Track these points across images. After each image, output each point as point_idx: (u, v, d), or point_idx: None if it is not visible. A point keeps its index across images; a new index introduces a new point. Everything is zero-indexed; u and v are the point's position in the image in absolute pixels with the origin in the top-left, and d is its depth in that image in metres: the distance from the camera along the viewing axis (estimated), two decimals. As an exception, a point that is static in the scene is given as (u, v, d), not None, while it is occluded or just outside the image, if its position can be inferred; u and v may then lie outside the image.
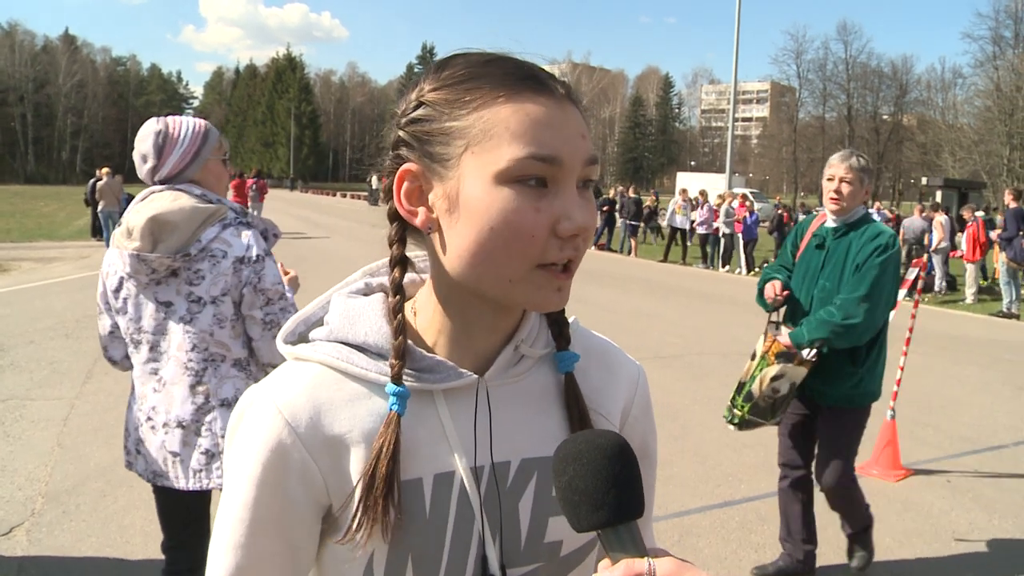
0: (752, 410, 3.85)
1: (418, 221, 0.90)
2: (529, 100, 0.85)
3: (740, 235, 19.68)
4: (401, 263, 0.96)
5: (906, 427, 6.21)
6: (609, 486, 0.77)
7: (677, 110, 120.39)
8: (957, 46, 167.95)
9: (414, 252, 1.01)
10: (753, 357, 3.92)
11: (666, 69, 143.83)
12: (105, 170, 19.05)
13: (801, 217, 21.81)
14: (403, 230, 0.96)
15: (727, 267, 20.14)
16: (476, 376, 0.94)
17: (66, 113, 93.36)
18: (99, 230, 19.19)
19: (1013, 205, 14.49)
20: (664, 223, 24.72)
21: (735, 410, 3.93)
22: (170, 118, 2.72)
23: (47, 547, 4.21)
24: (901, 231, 19.18)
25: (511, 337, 0.98)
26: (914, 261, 6.27)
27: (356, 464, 0.91)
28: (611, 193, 25.86)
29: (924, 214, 19.21)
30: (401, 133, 0.91)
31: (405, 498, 0.90)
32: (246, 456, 0.91)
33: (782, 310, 4.03)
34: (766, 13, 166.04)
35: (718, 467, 5.70)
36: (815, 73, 79.87)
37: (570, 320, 1.06)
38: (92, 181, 19.15)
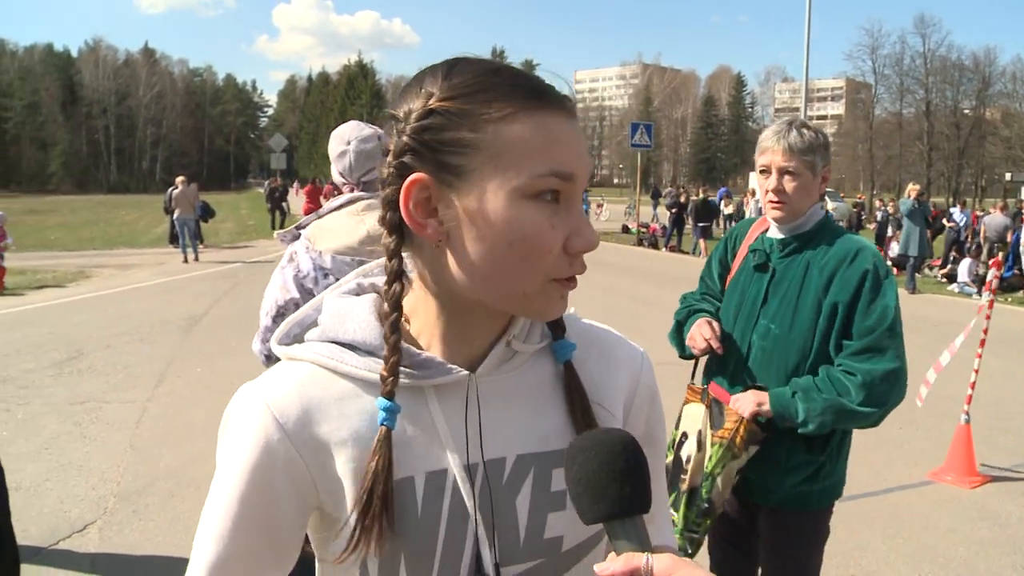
0: (715, 522, 2.62)
1: (428, 233, 0.88)
2: (548, 115, 0.85)
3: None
4: (399, 276, 0.91)
5: (982, 432, 5.99)
6: (611, 480, 0.79)
7: (750, 109, 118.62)
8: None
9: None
10: (700, 447, 2.57)
11: (738, 68, 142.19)
12: (180, 179, 19.52)
13: (878, 218, 21.33)
14: (402, 241, 0.92)
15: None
16: (466, 372, 0.94)
17: (146, 124, 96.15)
18: (176, 237, 19.67)
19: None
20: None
21: (692, 534, 2.58)
22: (356, 123, 2.78)
23: (117, 545, 4.34)
24: (983, 228, 18.61)
25: (503, 334, 0.97)
26: (992, 261, 6.05)
27: (344, 462, 0.91)
28: (683, 197, 25.59)
29: (1006, 211, 18.58)
30: (408, 140, 0.87)
31: (396, 498, 0.90)
32: (235, 451, 0.92)
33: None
34: (840, 9, 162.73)
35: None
36: (891, 68, 77.83)
37: (568, 312, 1.05)
38: (170, 190, 19.66)
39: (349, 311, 0.97)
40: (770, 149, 2.52)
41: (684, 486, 2.57)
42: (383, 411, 0.88)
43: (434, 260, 0.90)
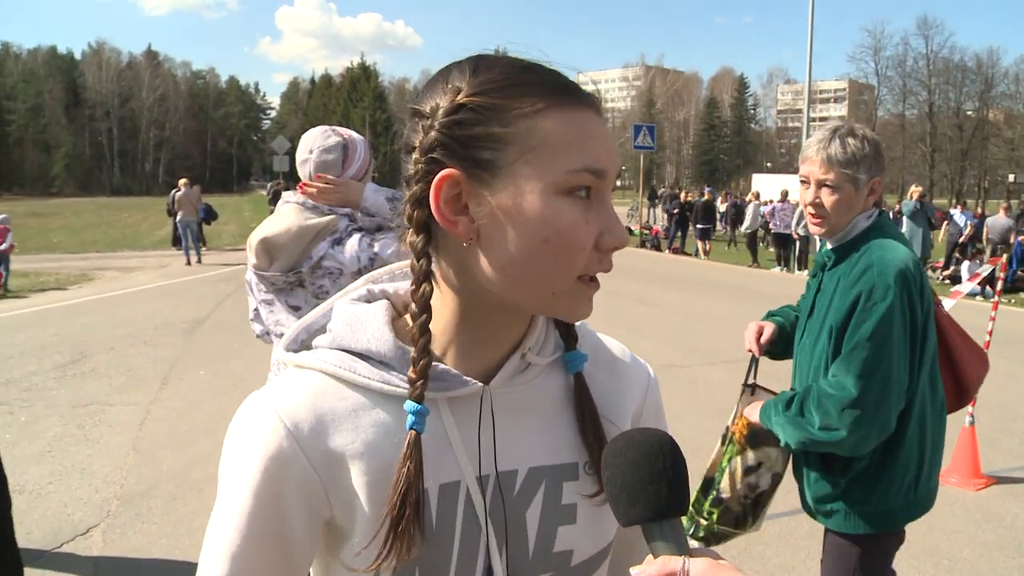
0: (722, 517, 2.61)
1: (459, 231, 0.85)
2: (580, 110, 0.84)
3: (817, 237, 19.22)
4: (428, 277, 0.89)
5: (987, 434, 5.98)
6: (646, 482, 0.77)
7: (752, 111, 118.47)
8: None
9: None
10: (723, 441, 2.65)
11: (741, 70, 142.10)
12: (183, 181, 19.58)
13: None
14: (429, 240, 0.89)
15: (805, 270, 19.72)
16: (480, 384, 0.92)
17: (149, 126, 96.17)
18: (178, 240, 19.71)
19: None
20: (745, 227, 24.32)
21: (700, 518, 2.63)
22: (342, 129, 2.84)
23: (121, 548, 4.34)
24: (985, 230, 18.57)
25: (518, 346, 0.96)
26: (990, 259, 6.03)
27: (359, 475, 0.88)
28: (683, 196, 25.61)
29: (1009, 212, 18.55)
30: (438, 135, 0.84)
31: None
32: (244, 463, 0.89)
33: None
34: (843, 11, 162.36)
35: (788, 474, 5.54)
36: (894, 70, 78.06)
37: (577, 324, 1.03)
38: (173, 192, 19.70)
39: (363, 319, 0.94)
40: (810, 159, 2.40)
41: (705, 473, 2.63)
42: (412, 415, 0.86)
43: (460, 260, 0.88)
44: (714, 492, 2.58)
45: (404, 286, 1.01)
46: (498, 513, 0.92)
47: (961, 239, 19.43)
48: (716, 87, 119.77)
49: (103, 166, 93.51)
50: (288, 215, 2.73)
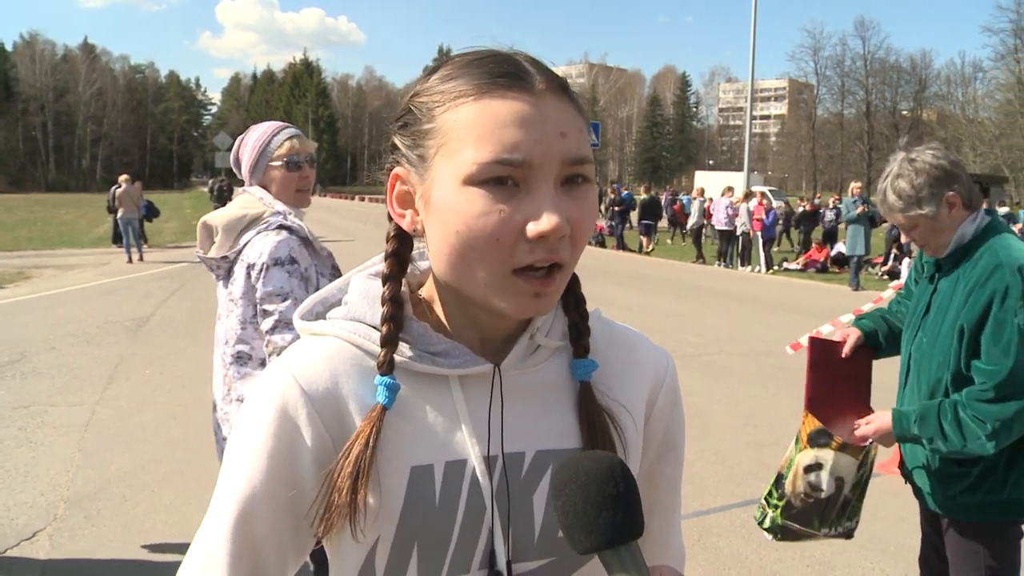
0: (786, 512, 2.65)
1: (406, 224, 0.92)
2: (498, 98, 0.82)
3: (759, 233, 19.56)
4: (395, 256, 0.96)
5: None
6: (600, 509, 0.77)
7: (695, 109, 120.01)
8: (977, 39, 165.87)
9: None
10: (796, 440, 2.70)
11: (684, 68, 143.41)
12: (124, 177, 19.18)
13: (826, 217, 21.71)
14: (399, 229, 0.96)
15: (747, 266, 20.02)
16: (491, 365, 0.93)
17: (86, 121, 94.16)
18: (119, 237, 19.31)
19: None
20: (690, 224, 24.57)
21: (768, 509, 2.71)
22: (255, 125, 2.98)
23: (69, 551, 4.25)
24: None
25: (526, 325, 0.96)
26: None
27: None
28: (610, 192, 25.83)
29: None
30: (393, 138, 0.92)
31: (414, 483, 0.89)
32: (258, 425, 0.91)
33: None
34: (783, 10, 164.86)
35: (737, 466, 5.66)
36: (833, 70, 79.67)
37: (591, 311, 1.03)
38: (113, 188, 19.28)
39: (379, 294, 0.96)
40: (888, 213, 2.51)
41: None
42: (382, 386, 0.89)
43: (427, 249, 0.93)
44: (781, 487, 2.65)
45: (422, 265, 1.03)
46: (504, 495, 0.93)
47: (896, 230, 19.92)
48: (659, 85, 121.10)
49: (37, 162, 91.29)
50: (247, 201, 2.88)
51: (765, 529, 2.70)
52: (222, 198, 29.19)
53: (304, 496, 0.90)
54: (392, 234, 0.96)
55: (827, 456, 2.56)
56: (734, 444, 6.13)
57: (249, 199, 2.86)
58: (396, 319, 0.92)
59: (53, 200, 55.96)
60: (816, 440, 2.57)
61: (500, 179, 0.81)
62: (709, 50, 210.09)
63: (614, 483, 0.78)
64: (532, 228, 0.81)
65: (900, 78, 76.67)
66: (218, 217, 2.83)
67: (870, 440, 2.56)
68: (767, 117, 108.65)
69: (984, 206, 2.47)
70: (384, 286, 0.94)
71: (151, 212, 20.25)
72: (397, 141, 0.91)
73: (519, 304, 0.86)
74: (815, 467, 2.56)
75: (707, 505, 4.95)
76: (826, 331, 8.41)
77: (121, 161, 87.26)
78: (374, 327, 0.94)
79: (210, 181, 38.94)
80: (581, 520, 0.77)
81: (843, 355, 2.73)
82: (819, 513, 2.62)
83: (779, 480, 2.68)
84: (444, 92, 0.86)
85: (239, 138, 2.96)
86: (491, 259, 0.83)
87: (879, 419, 2.53)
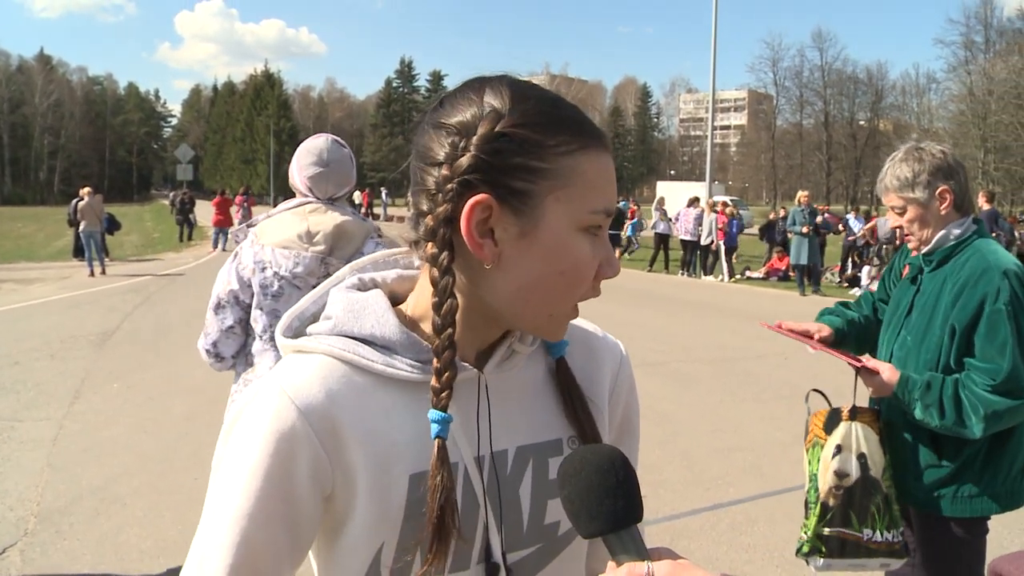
0: (822, 517, 2.57)
1: (484, 254, 0.89)
2: (603, 154, 0.93)
3: (722, 243, 19.78)
4: (452, 294, 0.91)
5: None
6: (603, 498, 0.83)
7: (656, 120, 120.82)
8: (930, 51, 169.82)
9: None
10: (807, 455, 2.70)
11: (644, 79, 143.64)
12: (86, 190, 18.92)
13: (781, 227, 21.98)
14: (453, 258, 0.91)
15: (710, 275, 20.22)
16: (476, 370, 0.98)
17: (43, 133, 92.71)
18: (81, 250, 19.05)
19: (986, 207, 14.74)
20: (649, 231, 24.79)
21: (803, 533, 2.62)
22: (338, 139, 2.99)
23: (42, 567, 4.22)
24: (875, 230, 19.36)
25: (504, 334, 1.02)
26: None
27: (360, 456, 0.92)
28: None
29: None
30: (475, 159, 0.87)
31: (414, 490, 0.93)
32: (252, 445, 0.90)
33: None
34: (742, 22, 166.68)
35: (707, 471, 5.75)
36: (791, 80, 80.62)
37: None
38: (74, 201, 19.04)
39: (365, 306, 0.97)
40: (884, 191, 2.60)
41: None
42: (435, 422, 0.90)
43: (473, 276, 0.93)
44: (815, 494, 2.60)
45: (390, 275, 1.06)
46: (494, 492, 0.99)
47: (852, 239, 20.25)
48: (620, 96, 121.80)
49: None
50: (345, 213, 2.88)
51: (804, 555, 2.60)
52: (184, 211, 29.03)
53: (301, 514, 0.91)
54: (446, 266, 0.90)
55: (844, 431, 2.56)
56: (702, 449, 6.23)
57: (347, 212, 2.91)
58: (455, 364, 0.91)
59: (10, 213, 54.93)
60: (831, 425, 2.59)
61: (598, 227, 0.92)
62: (670, 61, 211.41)
63: (614, 473, 0.84)
64: (607, 271, 0.94)
65: (857, 89, 77.84)
66: (354, 223, 2.88)
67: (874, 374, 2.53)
68: (727, 127, 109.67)
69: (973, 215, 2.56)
70: (446, 328, 0.90)
71: (112, 225, 20.02)
72: (484, 167, 0.87)
73: (562, 330, 0.98)
74: (838, 451, 2.55)
75: (677, 509, 5.03)
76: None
77: (80, 174, 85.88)
78: (363, 340, 0.96)
79: (171, 194, 38.55)
80: (586, 508, 0.84)
81: (813, 349, 2.75)
82: (853, 506, 2.55)
83: (806, 507, 2.64)
84: (555, 135, 0.89)
85: (348, 153, 2.97)
86: (574, 296, 0.94)
87: (888, 368, 2.52)
